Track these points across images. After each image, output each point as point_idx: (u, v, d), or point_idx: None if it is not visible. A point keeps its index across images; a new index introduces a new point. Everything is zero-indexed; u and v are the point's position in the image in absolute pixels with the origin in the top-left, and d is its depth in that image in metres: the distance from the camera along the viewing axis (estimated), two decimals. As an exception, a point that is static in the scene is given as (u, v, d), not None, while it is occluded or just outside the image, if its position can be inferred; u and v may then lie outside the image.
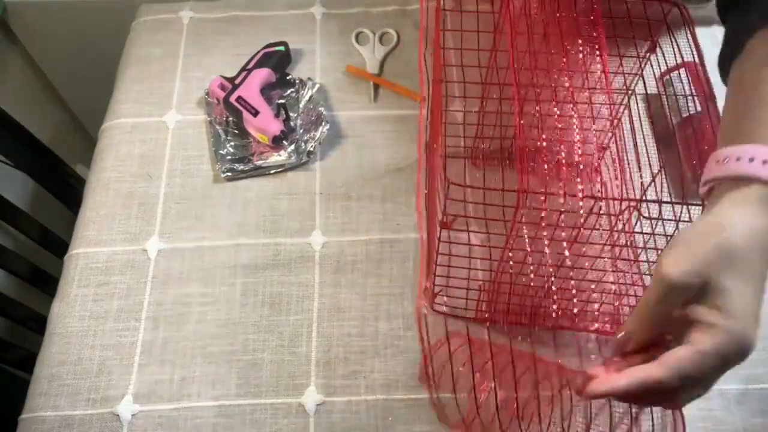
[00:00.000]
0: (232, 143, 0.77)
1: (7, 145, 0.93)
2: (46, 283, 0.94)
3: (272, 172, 0.76)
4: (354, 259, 0.70)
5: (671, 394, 0.36)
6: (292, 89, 0.81)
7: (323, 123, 0.77)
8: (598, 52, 0.49)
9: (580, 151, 0.48)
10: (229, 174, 0.75)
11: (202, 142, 0.79)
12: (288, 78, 0.82)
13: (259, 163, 0.76)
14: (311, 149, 0.76)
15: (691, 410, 0.62)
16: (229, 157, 0.76)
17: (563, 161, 0.51)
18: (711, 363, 0.35)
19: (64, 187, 1.05)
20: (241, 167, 0.76)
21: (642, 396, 0.37)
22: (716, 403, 0.62)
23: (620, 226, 0.48)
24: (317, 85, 0.81)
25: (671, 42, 0.54)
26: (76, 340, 0.66)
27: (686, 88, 0.73)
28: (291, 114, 0.78)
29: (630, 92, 0.61)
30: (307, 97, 0.80)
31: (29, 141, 0.97)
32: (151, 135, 0.80)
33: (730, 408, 0.62)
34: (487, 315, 0.63)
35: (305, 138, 0.77)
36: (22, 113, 0.95)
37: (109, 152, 0.79)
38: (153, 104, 0.82)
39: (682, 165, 0.71)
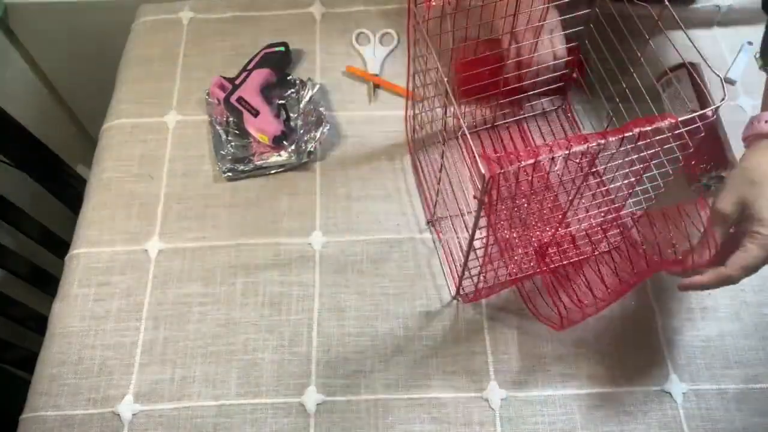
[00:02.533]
0: (233, 143, 0.77)
1: (7, 145, 0.93)
2: (47, 283, 0.94)
3: (273, 172, 0.76)
4: (354, 259, 0.71)
5: (736, 282, 0.52)
6: (293, 89, 0.82)
7: (323, 123, 0.77)
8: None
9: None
10: (230, 174, 0.75)
11: (203, 142, 0.79)
12: (288, 78, 0.82)
13: (259, 163, 0.76)
14: (311, 149, 0.76)
15: (690, 410, 0.62)
16: (229, 158, 0.76)
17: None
18: (761, 257, 0.51)
19: (65, 187, 1.05)
20: (241, 167, 0.76)
21: (717, 286, 0.53)
22: (716, 403, 0.62)
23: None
24: (317, 86, 0.81)
25: (671, 43, 0.54)
26: (76, 339, 0.66)
27: (685, 88, 0.73)
28: (291, 114, 0.78)
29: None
30: (307, 98, 0.80)
31: (29, 141, 0.97)
32: (152, 135, 0.80)
33: (730, 408, 0.62)
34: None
35: (305, 138, 0.77)
36: (22, 113, 0.95)
37: (110, 152, 0.79)
38: (153, 104, 0.82)
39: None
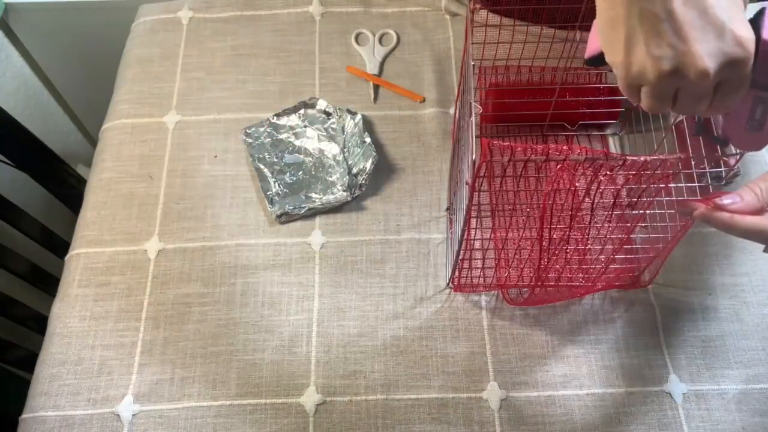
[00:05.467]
0: (278, 179, 0.74)
1: (8, 145, 0.93)
2: (47, 283, 0.95)
3: (325, 210, 0.73)
4: (354, 259, 0.71)
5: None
6: (333, 120, 0.78)
7: (372, 154, 0.74)
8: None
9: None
10: (283, 218, 0.72)
11: (203, 142, 0.79)
12: (325, 109, 0.79)
13: (311, 205, 0.72)
14: (362, 182, 0.73)
15: (691, 411, 0.62)
16: (278, 198, 0.73)
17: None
18: None
19: (65, 187, 1.05)
20: (293, 209, 0.72)
21: (749, 237, 0.46)
22: (716, 403, 0.62)
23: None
24: (358, 116, 0.77)
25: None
26: (76, 340, 0.67)
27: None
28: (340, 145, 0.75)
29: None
30: (352, 128, 0.77)
31: (29, 141, 0.97)
32: (151, 136, 0.80)
33: (730, 408, 0.62)
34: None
35: (354, 171, 0.74)
36: (22, 113, 0.95)
37: (110, 153, 0.79)
38: (153, 105, 0.82)
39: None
